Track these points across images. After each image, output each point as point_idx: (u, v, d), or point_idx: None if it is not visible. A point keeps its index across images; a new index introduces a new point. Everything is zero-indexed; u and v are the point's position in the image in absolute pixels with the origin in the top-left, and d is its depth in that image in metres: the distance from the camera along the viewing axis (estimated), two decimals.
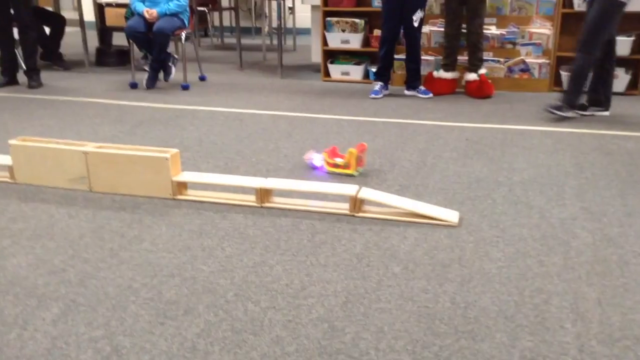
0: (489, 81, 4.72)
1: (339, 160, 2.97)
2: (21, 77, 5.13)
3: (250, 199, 2.60)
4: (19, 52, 5.10)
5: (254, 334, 1.65)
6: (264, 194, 2.57)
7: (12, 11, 4.81)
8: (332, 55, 5.47)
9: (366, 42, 5.37)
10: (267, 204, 2.57)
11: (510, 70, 4.94)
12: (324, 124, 3.92)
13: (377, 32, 5.15)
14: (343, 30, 5.29)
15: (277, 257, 2.11)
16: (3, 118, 4.03)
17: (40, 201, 2.61)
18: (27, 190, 2.73)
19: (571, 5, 4.77)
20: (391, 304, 1.79)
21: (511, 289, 1.88)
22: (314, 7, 5.47)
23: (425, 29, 4.98)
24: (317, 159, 3.05)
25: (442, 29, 4.87)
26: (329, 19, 5.30)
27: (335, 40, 5.32)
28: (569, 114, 3.97)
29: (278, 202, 2.59)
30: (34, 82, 4.99)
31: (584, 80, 3.91)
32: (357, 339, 1.63)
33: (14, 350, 1.58)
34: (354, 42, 5.30)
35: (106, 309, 1.78)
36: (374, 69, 5.03)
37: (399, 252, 2.13)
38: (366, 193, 2.47)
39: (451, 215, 2.39)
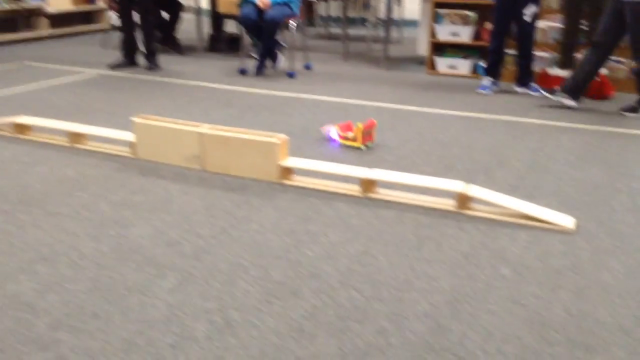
0: (609, 82, 4.45)
1: (349, 134, 3.20)
2: (140, 59, 5.43)
3: (354, 189, 2.62)
4: (138, 35, 5.39)
5: (359, 322, 1.67)
6: (368, 185, 2.58)
7: None
8: (439, 48, 5.37)
9: (477, 35, 5.22)
10: (370, 195, 2.57)
11: (635, 72, 4.61)
12: (428, 118, 3.87)
13: (488, 25, 4.99)
14: (453, 23, 5.17)
15: (381, 248, 2.11)
16: (124, 97, 4.29)
17: (157, 176, 2.76)
18: (146, 165, 2.90)
19: None
20: (500, 307, 1.75)
21: (630, 302, 1.77)
22: None
23: (541, 24, 4.76)
24: (333, 132, 3.30)
25: (560, 25, 4.63)
26: (439, 10, 5.20)
27: (444, 33, 5.22)
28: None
29: (382, 193, 2.58)
30: (152, 64, 5.27)
31: None
32: (464, 338, 1.60)
33: (136, 314, 1.69)
34: (464, 35, 5.17)
35: (218, 283, 1.86)
36: (482, 64, 4.88)
37: (509, 254, 2.06)
38: (474, 191, 2.42)
39: (566, 220, 2.29)
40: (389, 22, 5.73)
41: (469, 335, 1.61)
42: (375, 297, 1.79)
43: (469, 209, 2.42)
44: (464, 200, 2.41)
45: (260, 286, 1.85)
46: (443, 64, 5.32)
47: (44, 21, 6.69)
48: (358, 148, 3.16)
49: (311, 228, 2.27)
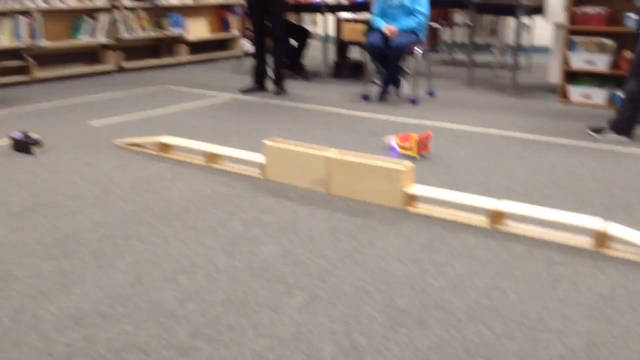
0: None
1: (406, 144, 3.52)
2: (269, 84, 5.70)
3: (481, 220, 2.56)
4: (269, 62, 5.66)
5: None
6: (496, 216, 2.51)
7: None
8: (572, 76, 5.13)
9: (614, 64, 4.92)
10: (499, 227, 2.50)
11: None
12: (562, 149, 3.69)
13: (628, 54, 4.70)
14: (588, 51, 4.92)
15: (511, 283, 2.04)
16: (253, 120, 4.52)
17: (285, 198, 2.87)
18: (275, 186, 3.03)
19: None
20: None
21: None
22: (557, 26, 5.18)
23: None
24: (394, 141, 3.63)
25: None
26: (574, 37, 4.98)
27: (579, 61, 4.98)
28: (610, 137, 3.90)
29: (511, 226, 2.50)
30: (280, 89, 5.51)
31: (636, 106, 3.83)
32: None
33: (266, 329, 1.76)
34: (600, 63, 4.90)
35: (344, 306, 1.89)
36: (620, 93, 4.58)
37: None
38: (614, 229, 2.27)
39: None
40: (517, 49, 5.58)
41: None
42: (505, 335, 1.73)
43: (608, 247, 2.27)
44: (602, 238, 2.27)
45: (385, 313, 1.85)
46: (576, 92, 5.07)
47: (184, 48, 7.23)
48: (414, 157, 3.42)
49: (436, 258, 2.24)
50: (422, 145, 3.50)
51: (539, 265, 2.17)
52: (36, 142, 3.49)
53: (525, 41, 7.18)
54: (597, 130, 4.00)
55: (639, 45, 3.74)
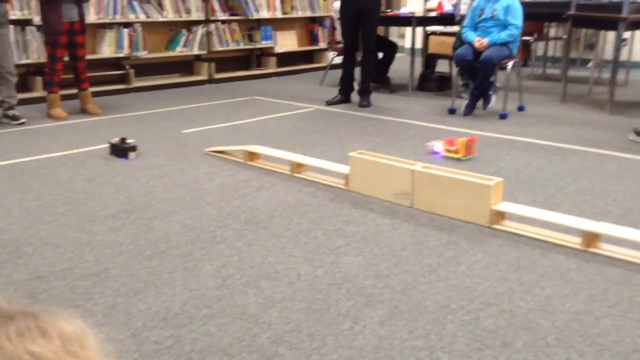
0: None
1: (452, 148, 3.69)
2: (354, 96, 5.73)
3: (574, 241, 2.44)
4: (356, 74, 5.70)
5: None
6: (590, 238, 2.38)
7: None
8: None
9: None
10: (593, 249, 2.37)
11: None
12: None
13: None
14: None
15: (605, 309, 1.93)
16: (338, 131, 4.55)
17: (368, 210, 2.86)
18: (358, 198, 3.03)
19: None
20: None
21: None
22: None
23: None
24: (438, 146, 3.82)
25: None
26: None
27: None
28: None
29: (606, 249, 2.37)
30: (365, 102, 5.52)
31: None
32: None
33: (347, 340, 1.76)
34: None
35: (426, 322, 1.86)
36: None
37: None
38: None
39: None
40: (616, 64, 5.30)
41: None
42: None
43: None
44: None
45: (468, 331, 1.80)
46: None
47: (272, 60, 7.41)
48: (458, 159, 3.64)
49: (524, 277, 2.16)
50: (468, 148, 3.70)
51: (636, 291, 2.04)
52: (132, 148, 3.68)
53: (624, 56, 6.81)
54: None
55: None
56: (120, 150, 3.70)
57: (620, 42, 5.19)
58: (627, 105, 5.55)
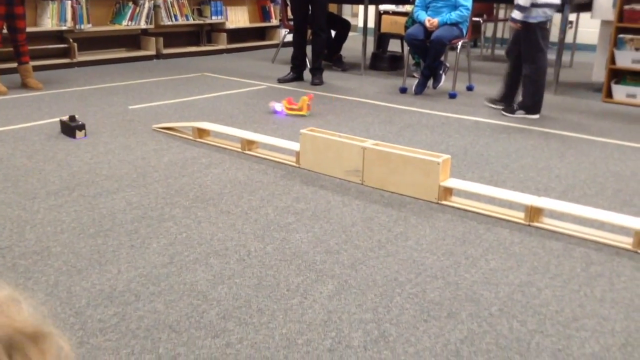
0: None
1: (295, 107, 4.13)
2: (306, 74, 5.69)
3: (518, 216, 2.51)
4: (307, 51, 5.65)
5: (520, 355, 1.59)
6: (534, 213, 2.45)
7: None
8: (617, 75, 4.98)
9: None
10: (536, 224, 2.44)
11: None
12: (604, 148, 3.59)
13: None
14: (637, 49, 4.77)
15: (546, 280, 2.00)
16: None
17: (319, 187, 2.86)
18: (309, 175, 3.02)
19: None
20: None
21: None
22: (604, 23, 5.03)
23: None
24: (278, 105, 4.21)
25: None
26: (621, 35, 4.83)
27: (626, 59, 4.83)
28: None
29: (548, 223, 2.44)
30: (317, 79, 5.49)
31: None
32: None
33: (296, 314, 1.76)
34: None
35: (374, 295, 1.88)
36: None
37: None
38: None
39: None
40: (562, 46, 5.43)
41: None
42: (538, 331, 1.70)
43: None
44: None
45: (415, 303, 1.83)
46: (621, 92, 4.92)
47: (223, 36, 7.27)
48: (303, 116, 4.10)
49: (470, 251, 2.21)
50: (309, 106, 4.16)
51: (576, 263, 2.12)
52: (81, 126, 3.54)
53: (568, 38, 6.99)
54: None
55: None
56: (68, 128, 3.55)
57: (565, 25, 5.31)
58: (571, 85, 5.72)
